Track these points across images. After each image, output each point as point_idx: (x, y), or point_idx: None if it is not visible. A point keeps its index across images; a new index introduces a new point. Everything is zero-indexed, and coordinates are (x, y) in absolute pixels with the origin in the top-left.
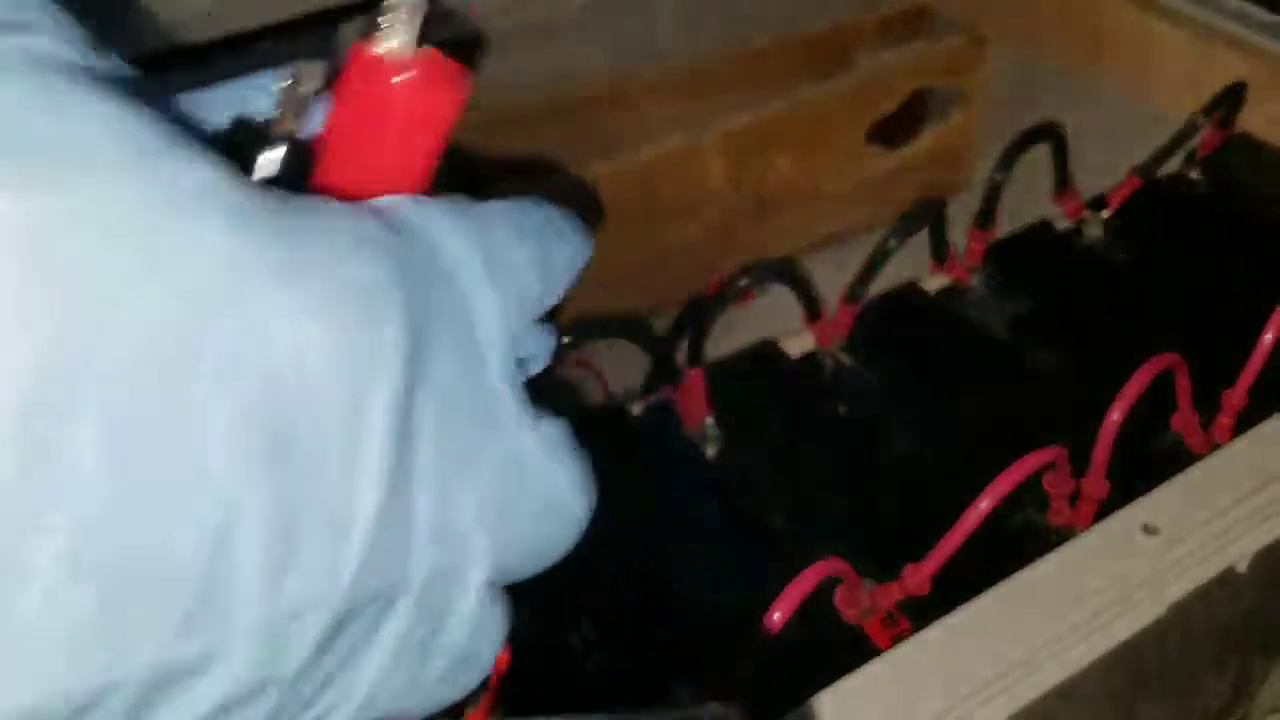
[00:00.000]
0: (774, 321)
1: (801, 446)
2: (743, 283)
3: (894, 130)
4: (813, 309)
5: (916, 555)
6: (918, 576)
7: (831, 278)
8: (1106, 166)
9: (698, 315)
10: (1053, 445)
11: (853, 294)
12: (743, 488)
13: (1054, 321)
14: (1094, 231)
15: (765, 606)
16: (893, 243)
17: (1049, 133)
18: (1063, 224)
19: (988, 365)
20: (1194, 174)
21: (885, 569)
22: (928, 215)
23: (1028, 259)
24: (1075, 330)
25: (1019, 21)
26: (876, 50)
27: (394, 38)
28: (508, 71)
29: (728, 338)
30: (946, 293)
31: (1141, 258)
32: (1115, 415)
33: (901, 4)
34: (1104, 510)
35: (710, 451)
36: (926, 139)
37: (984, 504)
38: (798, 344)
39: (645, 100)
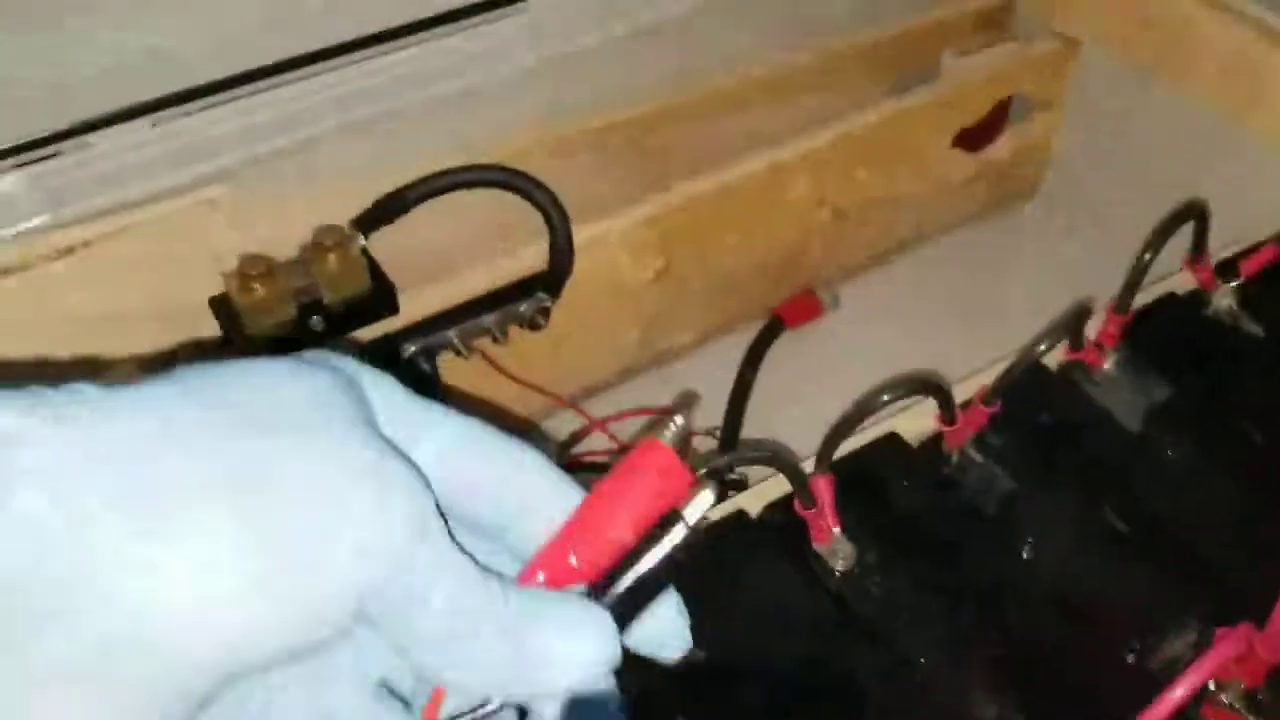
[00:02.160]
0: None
1: (933, 565)
2: (885, 398)
3: (975, 132)
4: (950, 416)
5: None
6: None
7: (910, 282)
8: (1185, 180)
9: (835, 435)
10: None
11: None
12: (876, 614)
13: (1199, 413)
14: (1226, 302)
15: None
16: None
17: (1194, 211)
18: (1186, 289)
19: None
20: None
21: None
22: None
23: (1162, 339)
24: (1224, 424)
25: (1100, 20)
26: (961, 50)
27: (673, 435)
28: (586, 87)
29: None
30: (1077, 371)
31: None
32: None
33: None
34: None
35: (840, 566)
36: (1009, 142)
37: (1179, 691)
38: (913, 424)
39: (720, 112)
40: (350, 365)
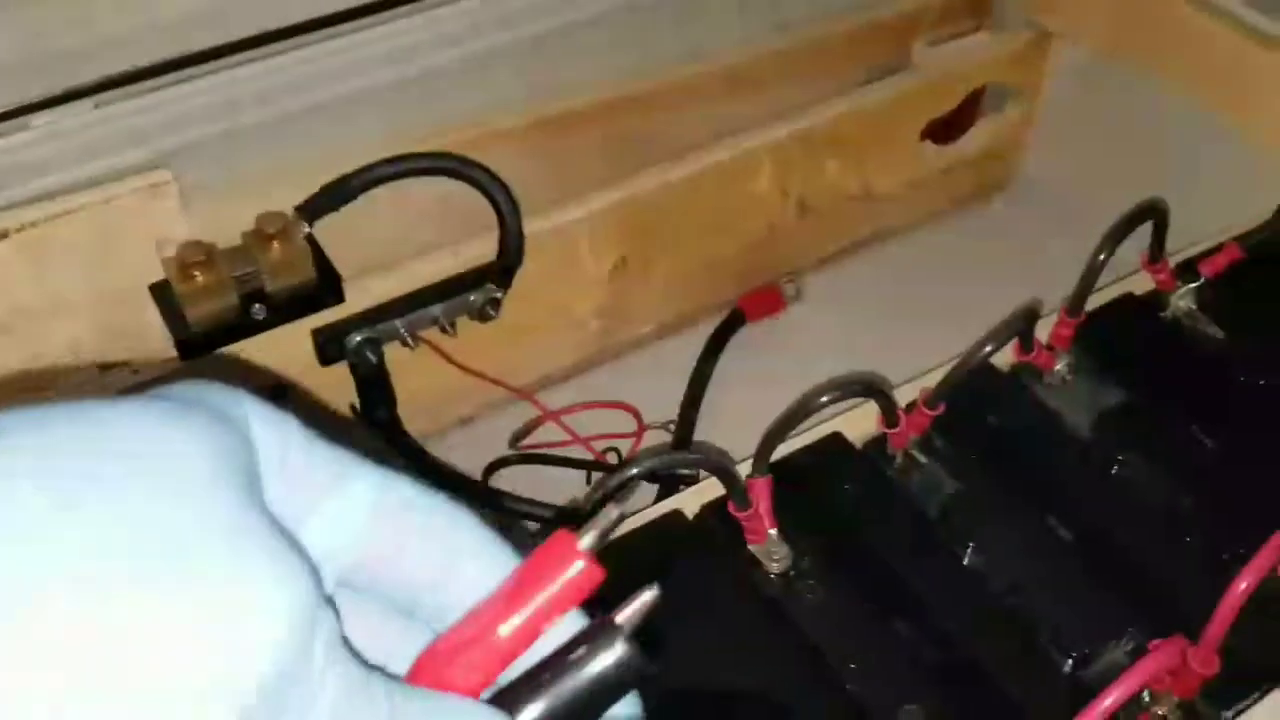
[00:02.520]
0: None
1: (871, 570)
2: (824, 399)
3: (946, 124)
4: (891, 419)
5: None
6: None
7: (875, 276)
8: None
9: (773, 435)
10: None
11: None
12: (810, 619)
13: (1150, 420)
14: (1184, 304)
15: None
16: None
17: (1153, 211)
18: (1144, 289)
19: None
20: None
21: None
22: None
23: (1116, 342)
24: (1175, 434)
25: (1075, 10)
26: (934, 38)
27: (593, 537)
28: (547, 73)
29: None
30: (1027, 373)
31: (1240, 335)
32: (1243, 584)
33: None
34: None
35: (775, 568)
36: (981, 134)
37: (1108, 701)
38: (858, 424)
39: (685, 102)
40: (240, 408)
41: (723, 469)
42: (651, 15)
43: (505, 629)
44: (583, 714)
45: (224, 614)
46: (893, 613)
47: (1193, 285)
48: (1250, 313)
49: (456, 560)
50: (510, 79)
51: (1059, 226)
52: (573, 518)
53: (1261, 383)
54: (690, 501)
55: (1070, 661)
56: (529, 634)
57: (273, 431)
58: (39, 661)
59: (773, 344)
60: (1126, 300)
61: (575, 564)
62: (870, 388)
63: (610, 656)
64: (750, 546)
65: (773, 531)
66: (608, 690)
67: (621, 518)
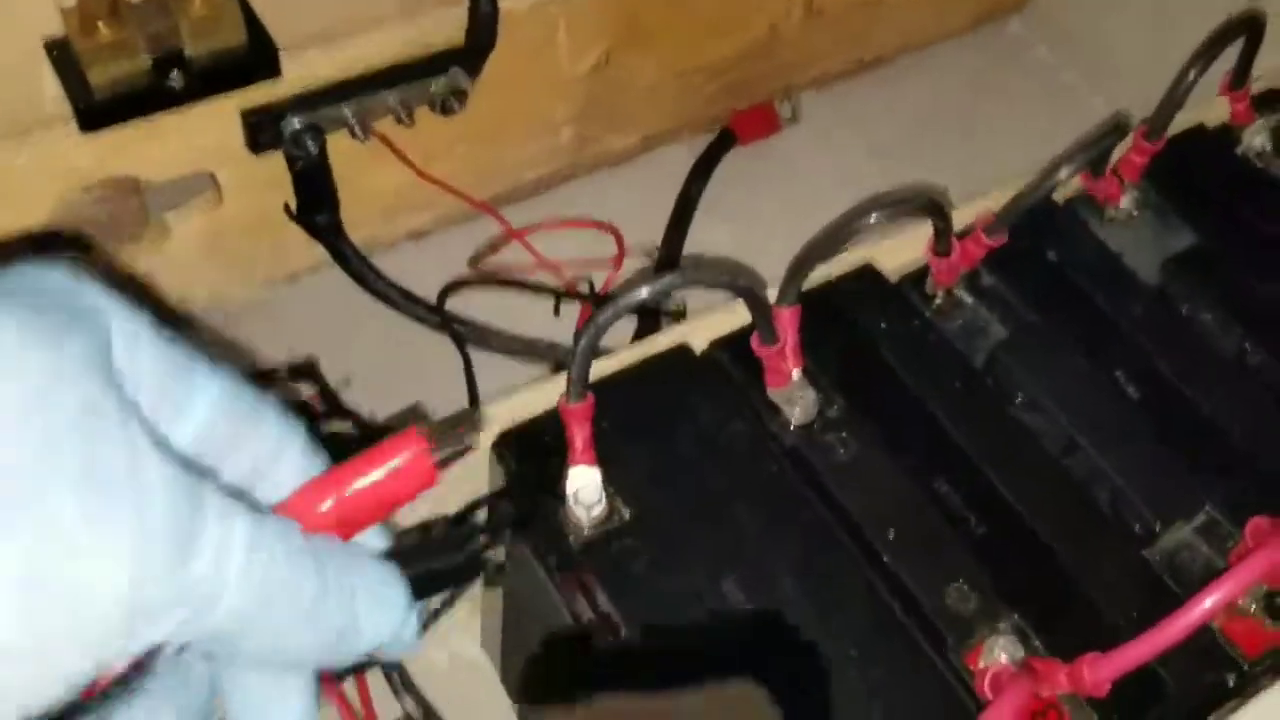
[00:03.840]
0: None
1: (906, 423)
2: (874, 217)
3: None
4: (945, 245)
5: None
6: (1096, 675)
7: (878, 100)
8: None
9: (804, 259)
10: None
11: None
12: (836, 479)
13: (1223, 269)
14: (1259, 141)
15: None
16: (1192, 75)
17: (1251, 24)
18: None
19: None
20: None
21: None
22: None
23: (1190, 179)
24: (1250, 287)
25: None
26: None
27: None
28: None
29: None
30: (1086, 207)
31: None
32: None
33: None
34: None
35: (798, 417)
36: None
37: (1208, 602)
38: (890, 255)
39: None
40: (95, 302)
41: (753, 293)
42: None
43: (324, 505)
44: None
45: (135, 491)
46: (933, 473)
47: (1271, 122)
48: None
49: (284, 452)
50: None
51: (1077, 51)
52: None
53: None
54: (698, 335)
55: (1134, 537)
56: (349, 514)
57: (129, 329)
58: None
59: (765, 170)
60: (1198, 132)
61: (404, 453)
62: (930, 204)
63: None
64: (769, 390)
65: (797, 372)
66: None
67: (469, 448)
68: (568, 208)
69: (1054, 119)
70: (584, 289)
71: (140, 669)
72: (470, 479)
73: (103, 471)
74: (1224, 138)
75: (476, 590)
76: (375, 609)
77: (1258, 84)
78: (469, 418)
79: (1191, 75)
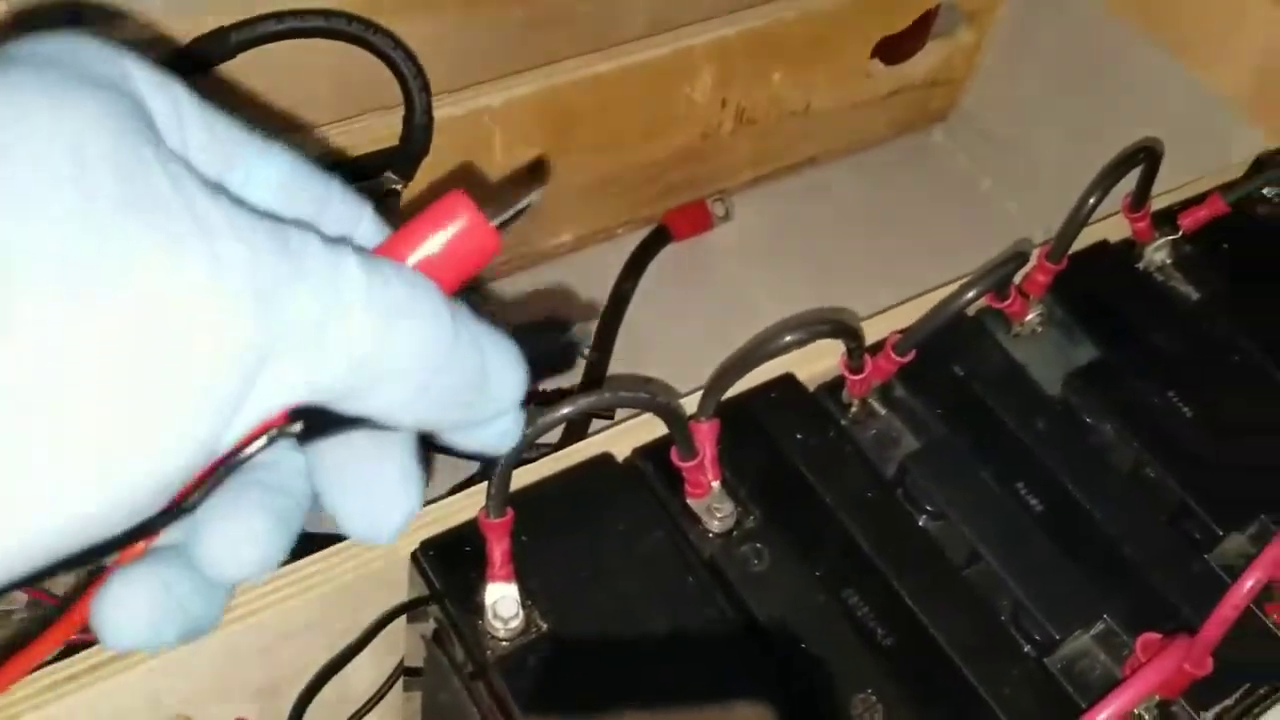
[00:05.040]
0: None
1: (821, 533)
2: (788, 339)
3: (894, 44)
4: (858, 364)
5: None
6: None
7: (806, 201)
8: (1112, 117)
9: (724, 375)
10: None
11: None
12: (752, 588)
13: (1124, 382)
14: (1160, 256)
15: None
16: (1093, 200)
17: (1148, 153)
18: (1118, 238)
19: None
20: (1267, 190)
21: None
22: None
23: (1091, 294)
24: (1151, 401)
25: None
26: None
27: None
28: None
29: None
30: (993, 321)
31: (1217, 294)
32: (1249, 583)
33: None
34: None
35: (717, 526)
36: (930, 58)
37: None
38: (806, 365)
39: None
40: (119, 66)
41: (671, 412)
42: None
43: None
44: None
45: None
46: (844, 583)
47: (1170, 238)
48: (1228, 274)
49: (359, 223)
50: None
51: (999, 162)
52: None
53: (1240, 352)
54: (620, 444)
55: (1034, 646)
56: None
57: (163, 97)
58: None
59: (698, 265)
60: (1101, 249)
61: (456, 221)
62: (841, 328)
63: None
64: (690, 500)
65: (716, 484)
66: None
67: (529, 206)
68: (501, 303)
69: (973, 224)
70: None
71: (232, 460)
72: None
73: (164, 212)
74: (1126, 253)
75: (397, 698)
76: (504, 367)
77: (1160, 199)
78: (528, 176)
79: (1091, 201)
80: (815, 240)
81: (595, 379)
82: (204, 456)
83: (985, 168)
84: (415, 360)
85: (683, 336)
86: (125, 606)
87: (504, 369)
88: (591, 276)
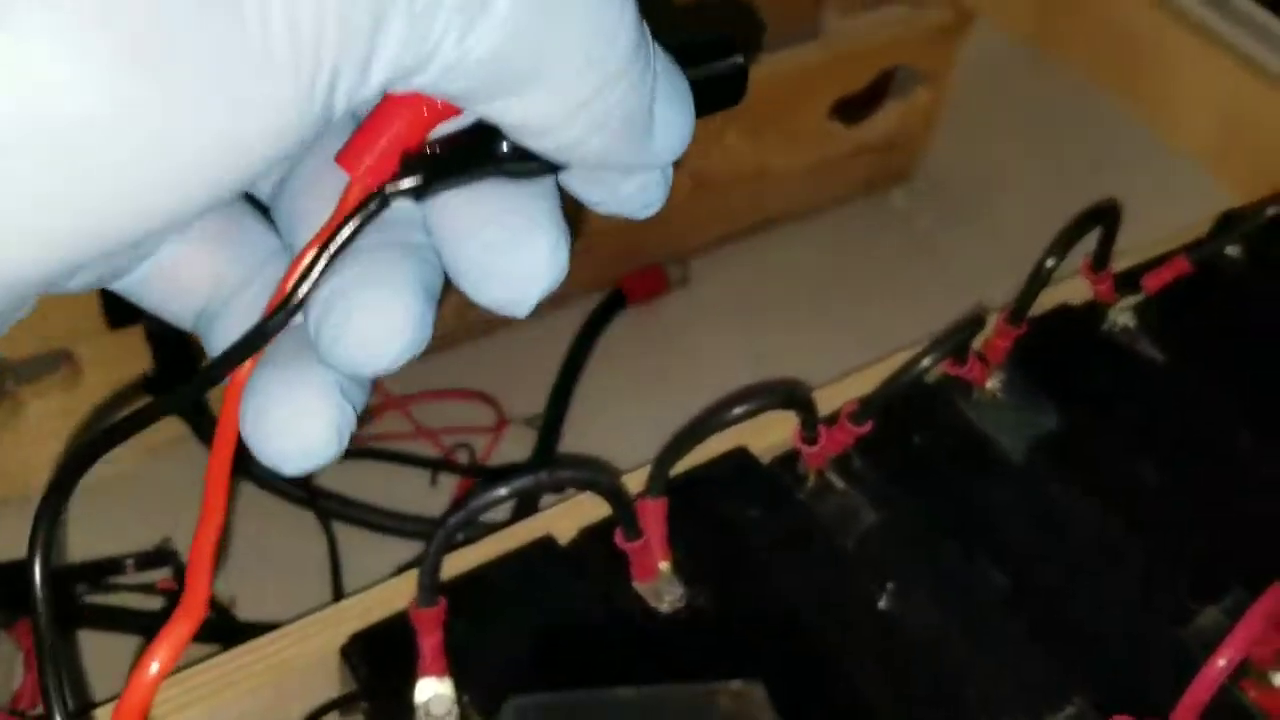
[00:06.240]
0: None
1: (777, 614)
2: (737, 411)
3: (851, 105)
4: (811, 435)
5: None
6: None
7: (765, 264)
8: (1074, 177)
9: (671, 451)
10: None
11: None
12: (703, 672)
13: (1090, 450)
14: (1123, 320)
15: None
16: (1050, 263)
17: (1107, 214)
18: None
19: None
20: (1231, 249)
21: None
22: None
23: (1054, 359)
24: (1117, 468)
25: None
26: (843, 9)
27: None
28: None
29: None
30: (954, 389)
31: (1183, 357)
32: (1221, 661)
33: None
34: None
35: (665, 609)
36: (888, 119)
37: None
38: (759, 435)
39: None
40: None
41: (616, 494)
42: None
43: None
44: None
45: None
46: (800, 671)
47: (1134, 300)
48: (1194, 336)
49: None
50: None
51: (961, 223)
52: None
53: (1208, 415)
54: (564, 524)
55: None
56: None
57: None
58: None
59: (654, 331)
60: (1063, 312)
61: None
62: (792, 398)
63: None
64: (637, 583)
65: (665, 565)
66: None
67: None
68: (451, 372)
69: (937, 286)
70: (463, 457)
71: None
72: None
73: None
74: (1089, 317)
75: None
76: (675, 102)
77: (1126, 259)
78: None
79: (1049, 263)
80: (776, 304)
81: (547, 450)
82: (309, 115)
83: (949, 228)
84: (584, 53)
85: (639, 405)
86: (302, 416)
87: (674, 106)
88: (544, 344)
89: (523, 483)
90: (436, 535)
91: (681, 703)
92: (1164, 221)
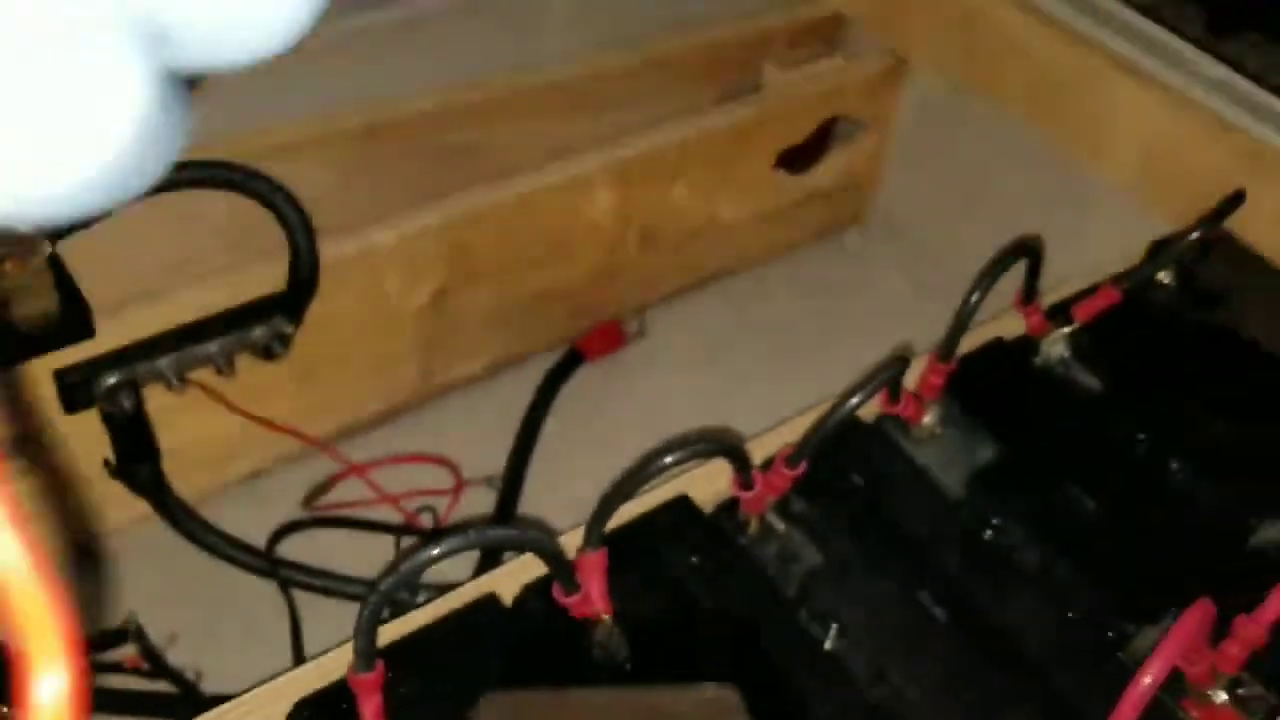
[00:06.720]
0: None
1: (722, 661)
2: (668, 460)
3: (797, 154)
4: (746, 481)
5: None
6: None
7: (723, 312)
8: (1018, 213)
9: (607, 504)
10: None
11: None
12: None
13: (1026, 480)
14: (1057, 350)
15: None
16: (975, 298)
17: (1027, 249)
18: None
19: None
20: (1164, 277)
21: None
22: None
23: (988, 392)
24: (1053, 497)
25: (936, 36)
26: (787, 61)
27: None
28: (385, 75)
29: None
30: (892, 426)
31: (1116, 384)
32: (1147, 678)
33: (814, 10)
34: None
35: (607, 659)
36: (834, 165)
37: None
38: (706, 483)
39: (516, 116)
40: None
41: (544, 548)
42: (482, 20)
43: None
44: None
45: None
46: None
47: (1066, 331)
48: (1127, 363)
49: None
50: (316, 80)
51: (914, 264)
52: None
53: (1141, 440)
54: (507, 584)
55: None
56: None
57: None
58: None
59: (613, 385)
60: (996, 346)
61: None
62: (722, 446)
63: None
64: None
65: (606, 618)
66: None
67: None
68: (413, 436)
69: (892, 325)
70: (426, 520)
71: None
72: None
73: None
74: (1023, 349)
75: None
76: None
77: (1062, 291)
78: None
79: (974, 300)
80: (733, 352)
81: (507, 508)
82: None
83: (903, 268)
84: None
85: (601, 458)
86: None
87: None
88: (503, 404)
89: (452, 543)
90: (369, 600)
91: (654, 704)
92: (1102, 253)
